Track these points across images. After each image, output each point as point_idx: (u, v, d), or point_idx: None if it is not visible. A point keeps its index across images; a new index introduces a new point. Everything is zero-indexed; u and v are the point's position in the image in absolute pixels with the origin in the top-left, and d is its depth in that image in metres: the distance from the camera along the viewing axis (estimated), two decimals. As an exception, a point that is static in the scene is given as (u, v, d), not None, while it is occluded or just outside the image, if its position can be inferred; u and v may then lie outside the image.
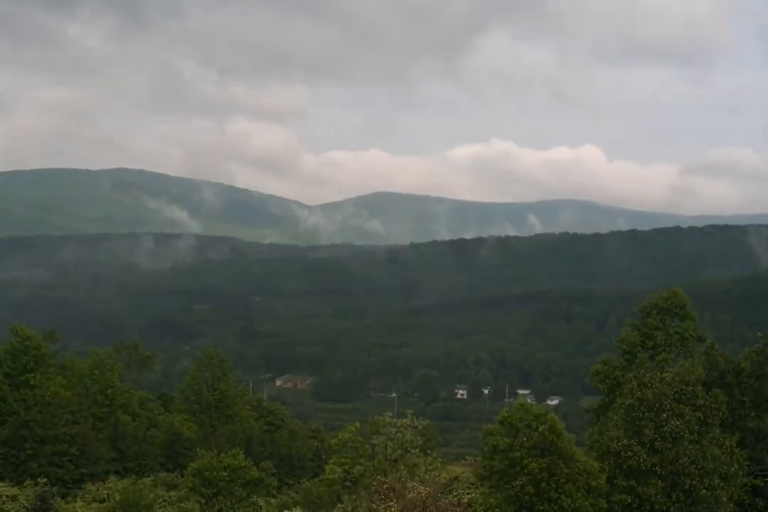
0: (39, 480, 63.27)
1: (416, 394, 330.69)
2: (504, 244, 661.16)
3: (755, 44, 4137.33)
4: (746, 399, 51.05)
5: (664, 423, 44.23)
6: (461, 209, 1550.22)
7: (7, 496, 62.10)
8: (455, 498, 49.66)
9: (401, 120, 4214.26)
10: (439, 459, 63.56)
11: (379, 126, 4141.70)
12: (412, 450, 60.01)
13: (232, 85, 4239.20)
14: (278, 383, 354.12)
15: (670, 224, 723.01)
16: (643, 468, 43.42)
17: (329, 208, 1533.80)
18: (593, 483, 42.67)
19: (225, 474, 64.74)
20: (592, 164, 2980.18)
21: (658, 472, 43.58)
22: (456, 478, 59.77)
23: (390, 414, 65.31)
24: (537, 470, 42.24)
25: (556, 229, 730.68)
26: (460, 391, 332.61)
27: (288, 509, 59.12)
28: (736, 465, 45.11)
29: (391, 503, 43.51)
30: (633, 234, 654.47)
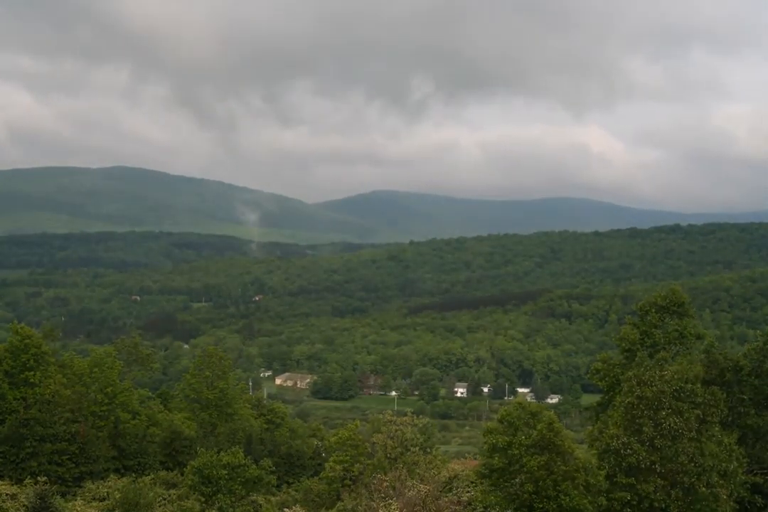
0: (39, 478, 63.03)
1: (416, 392, 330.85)
2: (504, 241, 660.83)
3: None
4: (745, 397, 51.07)
5: (663, 420, 44.23)
6: (461, 207, 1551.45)
7: (6, 495, 61.98)
8: (455, 496, 49.75)
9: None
10: (439, 457, 63.61)
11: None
12: (412, 448, 60.01)
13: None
14: (278, 381, 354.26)
15: (669, 222, 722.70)
16: (643, 465, 43.43)
17: (329, 207, 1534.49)
18: (592, 480, 42.65)
19: (225, 472, 64.83)
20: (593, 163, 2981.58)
21: (658, 470, 43.59)
22: (455, 476, 59.74)
23: (390, 412, 65.35)
24: (536, 468, 42.25)
25: (557, 227, 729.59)
26: (460, 389, 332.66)
27: (288, 507, 59.15)
28: (735, 463, 45.14)
29: (391, 501, 43.57)
30: (633, 232, 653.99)
